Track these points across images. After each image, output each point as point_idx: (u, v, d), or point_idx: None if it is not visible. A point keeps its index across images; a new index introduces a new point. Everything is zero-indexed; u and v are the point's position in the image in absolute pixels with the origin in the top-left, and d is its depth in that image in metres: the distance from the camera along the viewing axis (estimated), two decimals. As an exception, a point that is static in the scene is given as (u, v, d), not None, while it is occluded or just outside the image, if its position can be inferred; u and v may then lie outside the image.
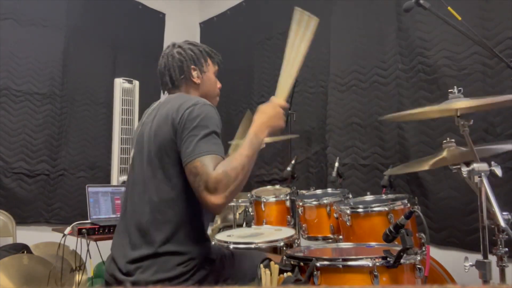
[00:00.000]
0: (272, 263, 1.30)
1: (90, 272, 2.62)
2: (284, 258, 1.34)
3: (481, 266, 1.19)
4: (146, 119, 1.41)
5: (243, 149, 1.21)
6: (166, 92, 1.50)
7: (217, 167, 1.14)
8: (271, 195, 2.34)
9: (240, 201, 2.57)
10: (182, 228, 1.25)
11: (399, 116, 1.43)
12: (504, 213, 1.19)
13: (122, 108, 3.16)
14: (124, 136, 3.14)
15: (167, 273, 1.20)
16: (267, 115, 1.30)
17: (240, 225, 2.44)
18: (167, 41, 4.09)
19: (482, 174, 1.20)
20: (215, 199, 1.12)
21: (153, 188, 1.26)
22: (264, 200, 2.29)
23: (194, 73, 1.45)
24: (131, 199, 1.33)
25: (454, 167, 1.30)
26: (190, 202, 1.26)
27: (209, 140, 1.19)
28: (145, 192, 1.28)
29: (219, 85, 1.55)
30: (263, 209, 2.29)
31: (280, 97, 1.35)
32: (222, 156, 1.19)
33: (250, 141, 1.23)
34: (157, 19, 4.07)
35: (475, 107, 1.26)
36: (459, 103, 1.23)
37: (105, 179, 3.34)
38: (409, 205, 1.71)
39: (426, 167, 1.46)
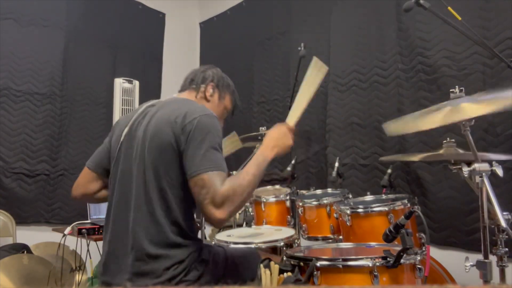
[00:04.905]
0: (272, 263, 1.30)
1: (90, 272, 2.62)
2: (284, 258, 1.34)
3: (482, 266, 1.19)
4: (135, 121, 1.37)
5: (249, 168, 1.27)
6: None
7: (224, 183, 1.17)
8: (271, 195, 2.34)
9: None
10: (171, 231, 1.24)
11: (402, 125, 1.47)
12: (504, 213, 1.19)
13: (122, 108, 3.16)
14: (124, 136, 3.14)
15: (158, 279, 1.20)
16: (273, 136, 1.41)
17: (240, 225, 2.43)
18: (167, 41, 4.09)
19: (483, 174, 1.19)
20: (219, 213, 1.15)
21: (145, 194, 1.24)
22: (264, 200, 2.29)
23: (211, 89, 1.49)
24: (119, 204, 1.30)
25: (455, 167, 1.30)
26: (182, 205, 1.26)
27: (215, 155, 1.22)
28: (136, 197, 1.26)
29: (221, 123, 1.57)
30: (263, 209, 2.28)
31: (289, 121, 1.46)
32: (226, 172, 1.22)
33: (257, 160, 1.31)
34: (157, 19, 4.07)
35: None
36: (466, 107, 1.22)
37: (105, 179, 3.34)
38: (409, 205, 1.71)
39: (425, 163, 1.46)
